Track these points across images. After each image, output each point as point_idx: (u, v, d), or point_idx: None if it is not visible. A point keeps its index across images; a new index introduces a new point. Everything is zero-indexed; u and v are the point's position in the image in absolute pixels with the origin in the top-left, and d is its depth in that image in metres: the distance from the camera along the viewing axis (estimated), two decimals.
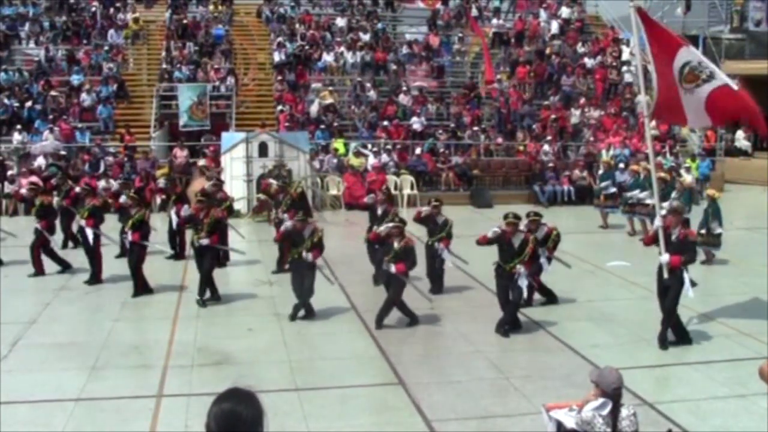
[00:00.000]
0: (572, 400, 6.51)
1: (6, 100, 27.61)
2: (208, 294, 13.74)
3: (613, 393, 5.88)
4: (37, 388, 9.80)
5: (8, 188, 22.44)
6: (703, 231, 16.83)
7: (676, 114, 12.57)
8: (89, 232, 15.09)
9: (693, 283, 11.63)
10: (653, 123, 25.72)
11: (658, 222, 12.04)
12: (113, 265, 15.86)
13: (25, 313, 13.05)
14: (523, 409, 9.13)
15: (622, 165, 23.49)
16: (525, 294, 12.17)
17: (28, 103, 27.67)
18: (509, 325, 12.05)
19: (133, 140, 26.92)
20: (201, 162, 23.66)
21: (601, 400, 5.89)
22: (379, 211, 15.12)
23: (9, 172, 24.00)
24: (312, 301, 12.87)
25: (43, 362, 10.82)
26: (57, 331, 12.31)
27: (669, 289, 11.47)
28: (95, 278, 15.17)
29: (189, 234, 17.16)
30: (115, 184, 20.12)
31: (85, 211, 15.32)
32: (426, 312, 12.69)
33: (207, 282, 13.71)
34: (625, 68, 32.84)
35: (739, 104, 11.99)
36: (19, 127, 26.55)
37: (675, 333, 11.61)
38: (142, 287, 14.28)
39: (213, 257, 14.00)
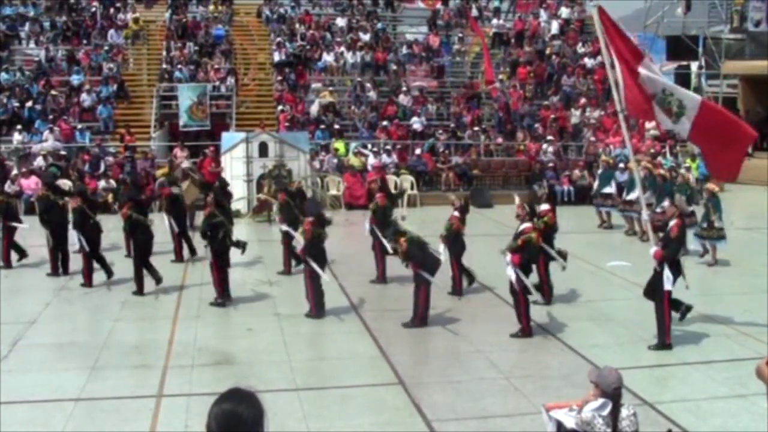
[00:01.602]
0: (572, 400, 6.52)
1: (6, 100, 27.63)
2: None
3: (612, 393, 5.88)
4: (37, 388, 9.81)
5: (8, 188, 22.37)
6: (705, 225, 16.95)
7: (647, 112, 12.63)
8: (74, 235, 15.11)
9: (679, 274, 11.56)
10: (653, 123, 25.83)
11: (644, 216, 12.19)
12: (119, 265, 15.88)
13: (25, 313, 13.06)
14: (523, 409, 9.14)
15: (622, 165, 23.50)
16: (515, 284, 11.76)
17: (29, 103, 27.67)
18: (521, 332, 11.93)
19: (133, 140, 26.92)
20: (185, 164, 22.87)
21: (601, 400, 5.89)
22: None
23: (13, 172, 23.93)
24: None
25: (43, 362, 10.83)
26: (57, 331, 12.33)
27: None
28: (85, 280, 15.06)
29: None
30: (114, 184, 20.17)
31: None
32: None
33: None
34: None
35: (726, 129, 12.00)
36: (19, 127, 26.55)
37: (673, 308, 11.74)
38: (138, 287, 14.36)
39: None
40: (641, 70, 11.91)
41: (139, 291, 14.31)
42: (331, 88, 30.39)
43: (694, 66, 36.95)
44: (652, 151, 26.77)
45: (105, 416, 9.05)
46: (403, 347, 11.65)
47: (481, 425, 8.80)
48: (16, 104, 27.75)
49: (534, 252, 11.97)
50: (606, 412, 5.85)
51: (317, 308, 12.85)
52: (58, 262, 15.80)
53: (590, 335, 12.07)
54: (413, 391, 9.72)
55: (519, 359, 11.11)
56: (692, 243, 17.76)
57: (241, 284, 14.74)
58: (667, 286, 11.37)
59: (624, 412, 5.92)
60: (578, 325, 12.53)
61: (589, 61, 33.10)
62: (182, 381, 10.10)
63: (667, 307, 11.44)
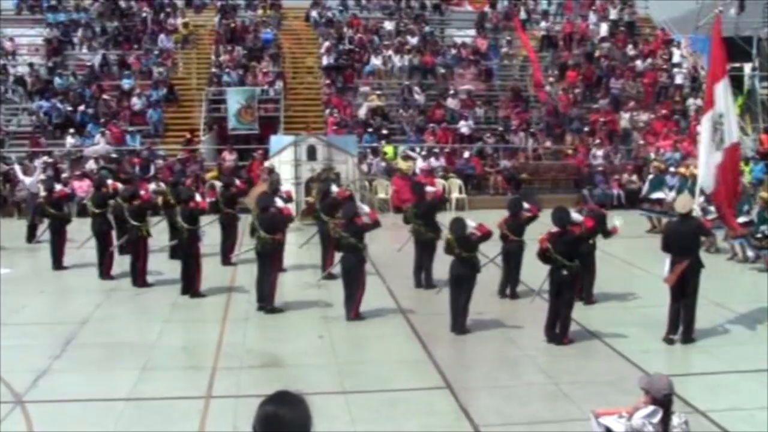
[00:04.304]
0: (621, 406, 6.43)
1: (59, 105, 28.13)
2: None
3: (663, 400, 5.80)
4: (88, 387, 9.95)
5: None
6: (759, 235, 16.66)
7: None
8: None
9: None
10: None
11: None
12: (165, 267, 16.07)
13: (77, 314, 13.25)
14: (572, 414, 9.04)
15: (672, 169, 23.20)
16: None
17: (81, 107, 28.19)
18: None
19: (195, 143, 27.30)
20: (267, 163, 23.47)
21: (651, 407, 5.81)
22: None
23: (63, 175, 24.36)
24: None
25: (94, 362, 10.98)
26: (108, 331, 12.48)
27: None
28: (138, 280, 15.25)
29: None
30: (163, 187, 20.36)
31: None
32: (474, 316, 12.59)
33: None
34: (676, 70, 32.42)
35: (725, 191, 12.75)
36: (71, 130, 27.05)
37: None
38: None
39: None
40: (718, 86, 12.65)
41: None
42: (378, 92, 30.42)
43: (747, 68, 36.28)
44: None
45: (154, 416, 9.14)
46: (450, 351, 11.63)
47: (528, 430, 8.74)
48: (69, 108, 28.27)
49: None
50: (657, 419, 5.77)
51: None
52: (102, 266, 15.98)
53: (640, 341, 11.90)
54: (461, 396, 9.68)
55: (567, 364, 10.99)
56: (749, 250, 17.47)
57: (289, 287, 14.81)
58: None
59: (675, 419, 5.83)
60: (628, 331, 12.36)
61: (639, 64, 32.74)
62: (230, 383, 10.17)
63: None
